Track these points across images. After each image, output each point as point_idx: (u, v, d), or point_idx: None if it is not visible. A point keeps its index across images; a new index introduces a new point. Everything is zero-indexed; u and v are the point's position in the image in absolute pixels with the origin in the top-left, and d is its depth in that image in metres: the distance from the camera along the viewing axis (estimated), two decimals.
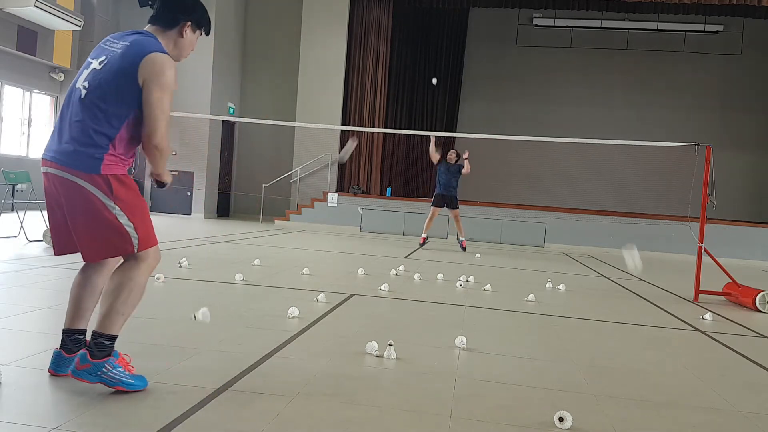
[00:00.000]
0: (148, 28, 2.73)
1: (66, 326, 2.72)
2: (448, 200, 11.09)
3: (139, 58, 2.51)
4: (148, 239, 2.60)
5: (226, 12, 16.26)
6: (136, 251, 2.56)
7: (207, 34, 2.90)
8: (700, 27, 18.02)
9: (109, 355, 2.51)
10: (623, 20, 18.07)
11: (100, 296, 2.73)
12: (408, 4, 16.94)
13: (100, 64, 2.56)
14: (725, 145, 17.33)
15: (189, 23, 2.76)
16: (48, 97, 14.84)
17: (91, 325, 2.66)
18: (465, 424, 2.47)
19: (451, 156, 11.12)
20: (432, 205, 11.23)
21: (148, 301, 4.24)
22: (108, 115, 2.51)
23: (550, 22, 18.60)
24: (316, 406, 2.53)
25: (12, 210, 10.86)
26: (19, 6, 12.12)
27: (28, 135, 14.34)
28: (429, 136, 11.61)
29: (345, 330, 3.97)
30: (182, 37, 2.76)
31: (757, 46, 18.17)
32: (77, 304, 2.72)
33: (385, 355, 3.31)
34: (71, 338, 2.70)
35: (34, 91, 14.35)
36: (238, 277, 5.65)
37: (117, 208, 2.52)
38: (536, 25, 18.78)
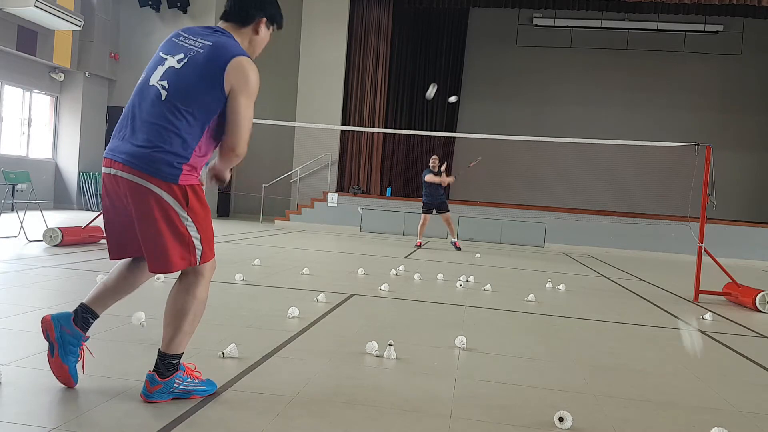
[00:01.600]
0: (221, 24, 2.61)
1: (87, 302, 2.60)
2: (438, 206, 11.30)
3: (225, 63, 2.39)
4: (209, 253, 2.51)
5: None
6: (198, 264, 2.47)
7: (280, 28, 2.77)
8: (700, 27, 18.03)
9: (177, 371, 2.49)
10: (623, 20, 18.08)
11: (131, 292, 2.67)
12: (408, 4, 16.94)
13: (179, 62, 2.42)
14: (725, 145, 17.33)
15: (264, 19, 2.65)
16: (48, 97, 14.85)
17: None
18: (465, 424, 2.47)
19: (434, 162, 11.22)
20: (422, 212, 11.42)
21: (148, 302, 4.24)
22: (191, 121, 2.38)
23: (550, 22, 18.61)
24: (316, 406, 2.53)
25: (12, 210, 10.86)
26: (19, 6, 12.12)
27: (28, 135, 14.34)
28: (449, 179, 11.68)
29: (345, 330, 3.97)
30: (257, 34, 2.65)
31: (757, 46, 18.18)
32: (109, 293, 2.61)
33: (385, 355, 3.31)
34: (83, 315, 2.57)
35: (34, 91, 14.35)
36: (238, 277, 5.65)
37: (189, 219, 2.42)
38: (536, 25, 18.79)
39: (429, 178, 11.03)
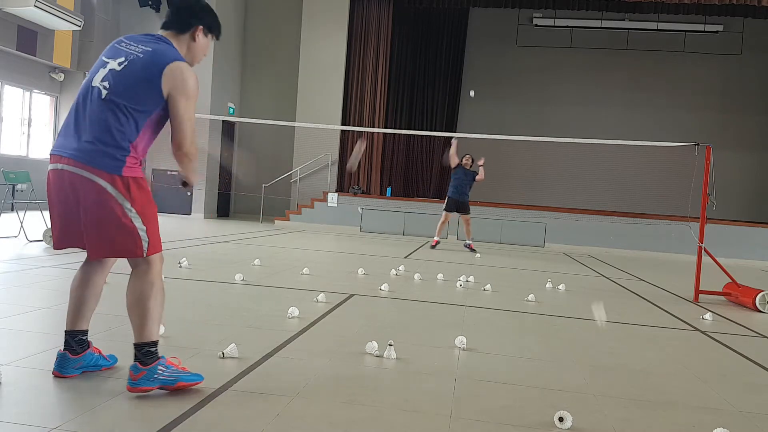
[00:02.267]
0: (161, 32, 2.76)
1: (68, 328, 2.72)
2: (460, 205, 11.26)
3: (162, 67, 2.56)
4: (157, 244, 2.64)
5: (226, 12, 16.25)
6: (144, 255, 2.58)
7: (218, 38, 2.93)
8: (700, 27, 18.03)
9: (159, 359, 2.58)
10: (623, 20, 18.07)
11: (100, 296, 2.78)
12: (408, 4, 16.94)
13: (119, 65, 2.58)
14: (725, 145, 17.31)
15: (201, 27, 2.80)
16: (48, 97, 14.85)
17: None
18: (465, 424, 2.47)
19: (467, 161, 11.23)
20: (444, 209, 11.37)
21: None
22: (130, 117, 2.54)
23: (550, 22, 18.60)
24: (316, 406, 2.53)
25: (12, 210, 10.86)
26: (19, 6, 12.12)
27: (28, 135, 14.35)
28: (451, 139, 11.76)
29: (345, 330, 3.97)
30: (195, 41, 2.80)
31: (757, 46, 18.17)
32: (79, 305, 2.72)
33: (385, 355, 3.31)
34: (75, 339, 2.70)
35: (34, 91, 14.35)
36: (238, 277, 5.65)
37: (133, 210, 2.54)
38: (536, 25, 18.78)
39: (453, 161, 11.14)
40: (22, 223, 7.87)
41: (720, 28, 18.00)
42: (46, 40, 13.71)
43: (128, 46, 2.64)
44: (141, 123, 2.57)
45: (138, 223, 2.55)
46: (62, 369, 2.66)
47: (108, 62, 2.61)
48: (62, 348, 2.70)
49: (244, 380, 2.79)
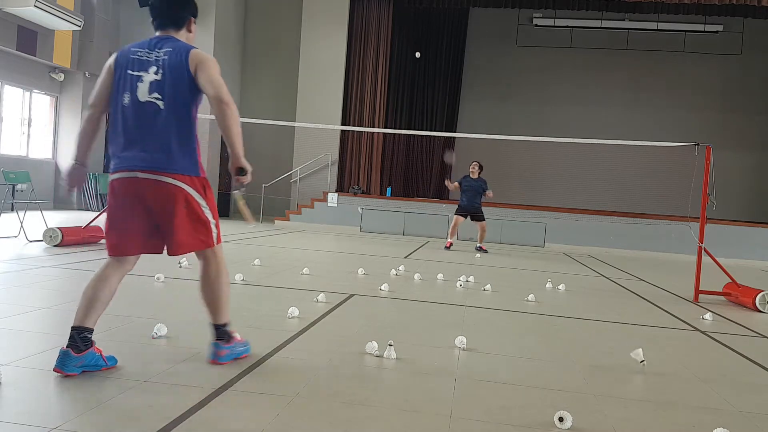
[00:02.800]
0: (160, 34, 2.95)
1: (77, 323, 2.74)
2: (473, 213, 11.26)
3: (186, 57, 2.82)
4: (220, 234, 3.02)
5: (226, 12, 16.26)
6: (215, 244, 2.96)
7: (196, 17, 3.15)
8: (700, 27, 18.03)
9: (234, 336, 3.06)
10: (623, 20, 18.08)
11: (113, 297, 2.87)
12: (408, 4, 16.94)
13: (158, 74, 2.80)
14: (725, 145, 17.32)
15: (192, 18, 3.04)
16: (48, 97, 14.85)
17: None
18: (465, 424, 2.47)
19: (474, 169, 11.25)
20: (455, 214, 11.42)
21: (148, 301, 4.24)
22: (190, 117, 2.84)
23: (550, 22, 18.61)
24: (316, 406, 2.53)
25: (12, 210, 10.86)
26: (19, 6, 12.12)
27: (28, 135, 14.35)
28: (445, 181, 11.90)
29: (345, 330, 3.97)
30: (190, 32, 3.05)
31: (757, 46, 18.17)
32: (92, 303, 2.78)
33: (385, 355, 3.31)
34: (81, 336, 2.72)
35: (34, 91, 14.35)
36: (238, 277, 5.65)
37: (207, 207, 2.90)
38: (536, 25, 18.79)
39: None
40: (22, 223, 7.87)
41: (720, 28, 18.00)
42: (46, 40, 13.71)
43: (149, 54, 2.83)
44: (194, 120, 2.87)
45: (210, 217, 2.91)
46: (64, 366, 2.65)
47: (141, 75, 2.80)
48: (65, 345, 2.70)
49: (244, 380, 2.79)
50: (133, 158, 2.76)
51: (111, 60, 2.93)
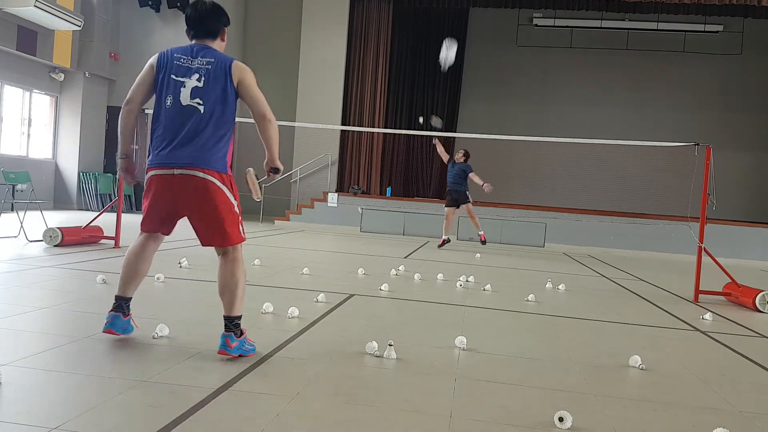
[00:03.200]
0: (197, 42, 3.24)
1: (120, 293, 3.24)
2: (457, 196, 11.27)
3: (228, 68, 3.14)
4: (245, 230, 3.29)
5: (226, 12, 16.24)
6: (241, 238, 3.21)
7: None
8: (700, 27, 18.03)
9: (244, 332, 3.16)
10: (623, 20, 18.08)
11: (150, 266, 3.35)
12: (408, 4, 16.94)
13: (198, 81, 3.10)
14: (725, 145, 17.33)
15: (225, 28, 3.32)
16: (48, 97, 14.85)
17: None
18: (465, 424, 2.47)
19: (458, 156, 11.36)
20: (445, 206, 11.43)
21: (148, 301, 4.24)
22: (227, 121, 3.15)
23: (550, 22, 18.60)
24: (316, 406, 2.53)
25: (12, 210, 10.86)
26: (19, 6, 12.12)
27: (28, 135, 14.34)
28: (433, 138, 11.76)
29: (345, 330, 3.97)
30: (223, 41, 3.33)
31: (757, 46, 18.17)
32: (132, 274, 3.25)
33: (385, 355, 3.31)
34: (127, 304, 3.26)
35: (34, 91, 14.35)
36: None
37: (235, 202, 3.18)
38: (536, 25, 18.78)
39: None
40: (22, 223, 7.87)
41: (720, 28, 18.00)
42: (46, 40, 13.71)
43: (192, 62, 3.13)
44: (231, 124, 3.17)
45: (238, 212, 3.20)
46: (114, 326, 3.18)
47: (184, 81, 3.10)
48: (112, 310, 3.20)
49: (244, 380, 2.79)
50: (173, 155, 3.06)
51: (153, 59, 3.19)
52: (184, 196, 3.09)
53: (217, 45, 3.27)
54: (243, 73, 3.15)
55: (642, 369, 3.49)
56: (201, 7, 3.23)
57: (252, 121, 3.19)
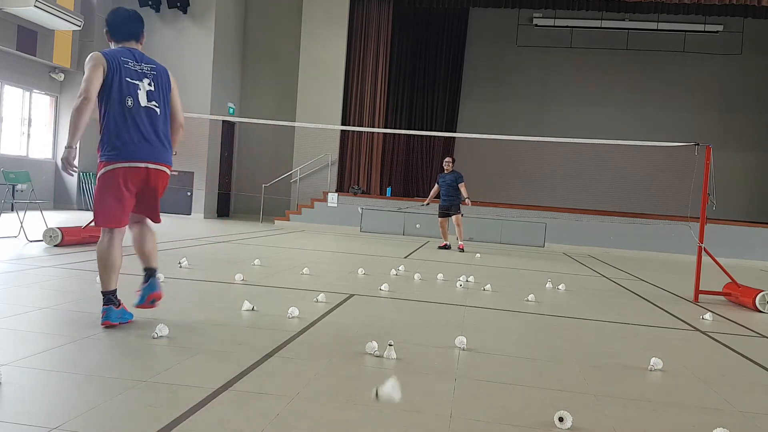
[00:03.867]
0: (126, 44, 3.63)
1: (104, 289, 3.54)
2: (449, 209, 11.37)
3: (168, 75, 3.73)
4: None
5: (226, 12, 16.25)
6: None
7: None
8: (700, 27, 18.02)
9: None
10: (623, 20, 18.07)
11: (122, 255, 3.68)
12: (408, 4, 16.94)
13: (151, 86, 3.57)
14: (725, 145, 17.33)
15: (143, 32, 3.77)
16: (48, 97, 14.84)
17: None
18: (465, 424, 2.47)
19: (447, 166, 11.41)
20: (438, 216, 11.60)
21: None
22: (171, 121, 3.76)
23: (550, 22, 18.60)
24: (316, 406, 2.53)
25: (12, 210, 10.86)
26: (19, 6, 12.12)
27: (28, 135, 14.34)
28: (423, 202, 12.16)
29: (345, 330, 3.97)
30: (142, 44, 3.75)
31: (757, 46, 18.17)
32: (112, 267, 3.56)
33: (385, 355, 3.31)
34: (114, 295, 3.55)
35: (34, 91, 14.35)
36: (238, 277, 5.65)
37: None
38: (536, 25, 18.78)
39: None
40: (22, 223, 7.87)
41: (720, 28, 17.99)
42: (46, 40, 13.71)
43: (141, 67, 3.54)
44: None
45: None
46: (110, 317, 3.46)
47: (138, 84, 3.50)
48: (104, 305, 3.50)
49: (244, 380, 2.79)
50: (143, 150, 3.48)
51: (102, 61, 3.41)
52: (150, 186, 3.55)
53: (140, 47, 3.69)
54: (174, 81, 3.76)
55: (655, 370, 3.48)
56: (125, 13, 3.67)
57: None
